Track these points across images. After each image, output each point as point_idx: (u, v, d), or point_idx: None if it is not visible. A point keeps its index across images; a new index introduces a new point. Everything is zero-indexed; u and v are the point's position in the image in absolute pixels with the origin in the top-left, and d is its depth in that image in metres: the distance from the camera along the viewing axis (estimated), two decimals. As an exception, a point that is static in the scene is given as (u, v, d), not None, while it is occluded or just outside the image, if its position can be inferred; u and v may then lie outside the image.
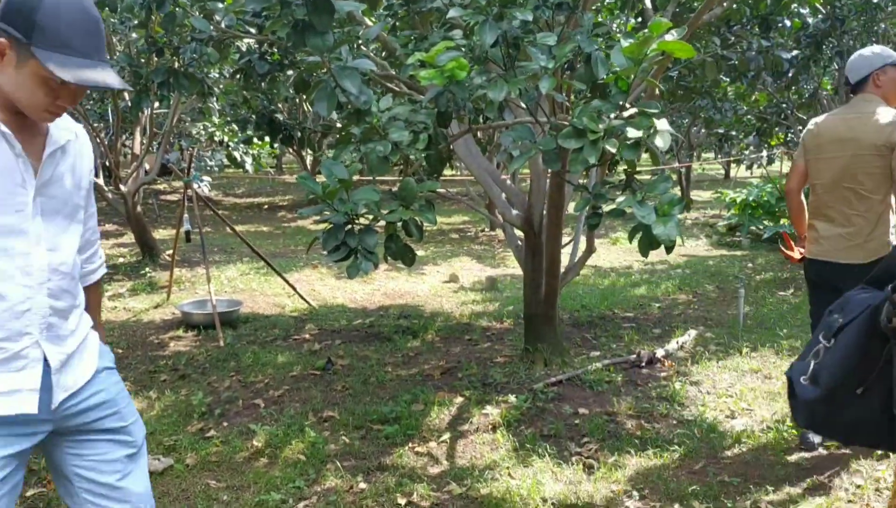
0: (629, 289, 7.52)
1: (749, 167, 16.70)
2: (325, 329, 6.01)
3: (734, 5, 5.11)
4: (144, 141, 8.08)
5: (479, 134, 5.47)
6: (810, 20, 6.33)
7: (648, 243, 2.30)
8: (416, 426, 3.91)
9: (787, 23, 5.73)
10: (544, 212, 4.57)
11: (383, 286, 7.82)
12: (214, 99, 7.33)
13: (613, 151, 2.23)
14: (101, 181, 8.13)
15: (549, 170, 4.12)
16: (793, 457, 3.52)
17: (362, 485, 3.29)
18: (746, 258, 9.33)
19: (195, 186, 6.18)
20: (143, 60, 4.66)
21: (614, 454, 3.58)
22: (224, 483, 3.36)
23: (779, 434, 3.74)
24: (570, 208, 4.96)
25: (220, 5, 4.18)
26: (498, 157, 5.32)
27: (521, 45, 2.33)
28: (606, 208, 2.44)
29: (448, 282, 8.05)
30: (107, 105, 9.82)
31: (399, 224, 2.78)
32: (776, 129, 9.82)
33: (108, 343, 5.64)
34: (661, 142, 2.22)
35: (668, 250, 2.30)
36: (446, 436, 3.80)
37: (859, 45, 6.97)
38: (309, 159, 14.94)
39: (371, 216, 2.66)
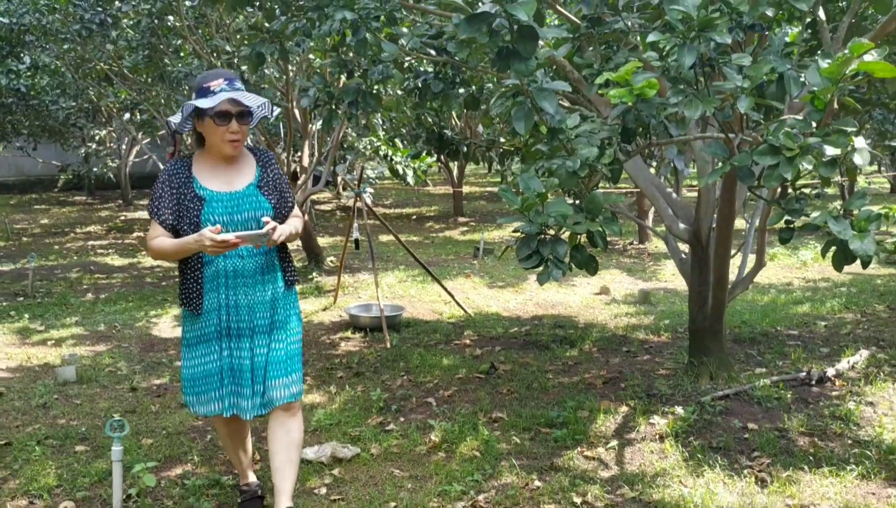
0: (791, 306, 7.30)
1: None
2: (483, 336, 6.24)
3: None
4: (314, 155, 8.63)
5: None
6: None
7: (844, 257, 2.34)
8: (583, 431, 4.03)
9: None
10: (713, 225, 4.59)
11: (535, 297, 7.97)
12: (378, 115, 7.77)
13: (810, 168, 2.29)
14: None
15: (720, 183, 4.15)
16: (984, 484, 3.39)
17: (537, 483, 3.46)
18: (919, 278, 8.81)
19: (364, 196, 6.57)
20: (333, 82, 5.07)
21: (787, 469, 3.56)
22: (407, 472, 3.62)
23: (967, 460, 3.60)
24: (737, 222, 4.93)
25: (405, 30, 4.49)
26: (662, 170, 5.36)
27: (716, 65, 2.44)
28: (800, 222, 2.49)
29: (599, 294, 8.10)
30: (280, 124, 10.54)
31: (583, 235, 2.94)
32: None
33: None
34: (859, 159, 2.27)
35: (864, 264, 2.33)
36: (614, 443, 3.91)
37: None
38: (455, 172, 15.32)
39: (561, 227, 2.83)
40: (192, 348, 2.97)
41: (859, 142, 2.29)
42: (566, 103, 3.99)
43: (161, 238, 2.85)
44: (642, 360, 5.40)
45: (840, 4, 5.04)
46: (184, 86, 8.54)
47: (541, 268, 2.80)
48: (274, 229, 2.75)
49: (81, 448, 3.96)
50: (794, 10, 2.55)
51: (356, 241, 6.93)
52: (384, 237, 12.13)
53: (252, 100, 2.85)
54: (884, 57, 2.29)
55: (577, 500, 3.29)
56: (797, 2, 2.42)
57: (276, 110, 3.01)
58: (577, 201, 2.94)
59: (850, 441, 3.89)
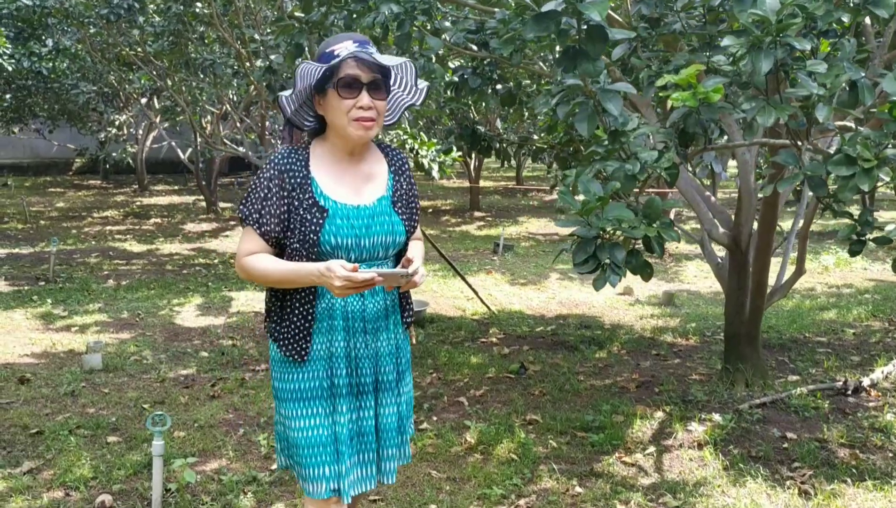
0: (816, 312, 7.23)
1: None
2: (509, 334, 6.19)
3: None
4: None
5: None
6: None
7: (918, 272, 2.28)
8: (620, 436, 3.99)
9: None
10: (753, 230, 4.52)
11: (558, 295, 7.92)
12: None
13: (887, 179, 2.23)
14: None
15: (765, 191, 4.08)
16: None
17: (578, 489, 3.41)
18: (944, 287, 8.71)
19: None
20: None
21: (830, 482, 3.51)
22: (444, 473, 3.58)
23: None
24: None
25: (448, 24, 4.43)
26: (699, 173, 5.30)
27: (790, 71, 2.37)
28: (872, 235, 2.43)
29: (622, 294, 8.04)
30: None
31: (639, 240, 2.88)
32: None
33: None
34: (940, 172, 2.21)
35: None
36: (652, 449, 3.86)
37: None
38: (473, 165, 15.26)
39: (618, 232, 2.77)
40: (290, 404, 2.21)
41: (940, 154, 2.22)
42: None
43: (261, 256, 2.11)
44: (673, 364, 5.34)
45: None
46: (209, 73, 8.49)
47: (597, 273, 2.75)
48: (416, 270, 2.08)
49: (114, 439, 3.93)
50: (872, 17, 2.48)
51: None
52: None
53: (385, 59, 2.07)
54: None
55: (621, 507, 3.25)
56: (877, 8, 2.36)
57: (423, 91, 2.23)
58: (633, 205, 2.88)
59: (891, 455, 3.83)
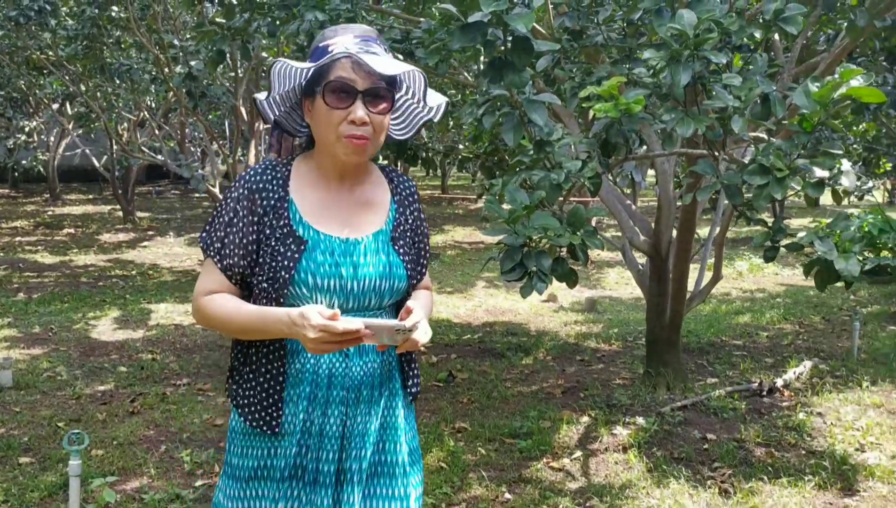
0: (732, 316, 7.50)
1: (861, 197, 16.36)
2: (437, 343, 6.20)
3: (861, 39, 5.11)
4: (263, 154, 8.46)
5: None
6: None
7: (828, 277, 2.39)
8: (547, 441, 4.04)
9: (915, 56, 5.68)
10: (672, 238, 4.66)
11: (484, 303, 7.97)
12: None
13: (798, 188, 2.33)
14: (216, 190, 8.54)
15: (685, 200, 4.21)
16: (932, 494, 3.52)
17: (507, 496, 3.44)
18: (848, 290, 9.15)
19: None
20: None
21: (748, 480, 3.63)
22: (373, 485, 3.55)
23: (915, 471, 3.73)
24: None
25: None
26: (620, 182, 5.43)
27: (707, 84, 2.46)
28: (785, 241, 2.54)
29: (547, 301, 8.16)
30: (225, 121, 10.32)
31: (564, 248, 2.93)
32: (884, 158, 9.63)
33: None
34: (846, 181, 2.32)
35: (848, 285, 2.39)
36: (578, 454, 3.92)
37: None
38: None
39: (544, 240, 2.82)
40: (243, 484, 1.72)
41: (846, 164, 2.34)
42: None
43: (221, 297, 1.66)
44: (597, 369, 5.45)
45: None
46: (125, 79, 8.25)
47: (524, 280, 2.78)
48: (416, 325, 1.55)
49: (26, 460, 3.76)
50: (782, 33, 2.59)
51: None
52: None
53: (386, 65, 1.59)
54: (869, 82, 2.35)
55: (549, 513, 3.29)
56: (787, 24, 2.47)
57: (442, 106, 1.75)
58: (558, 214, 2.93)
59: (804, 452, 3.99)
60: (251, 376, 1.70)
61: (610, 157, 3.03)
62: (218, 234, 1.67)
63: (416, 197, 1.84)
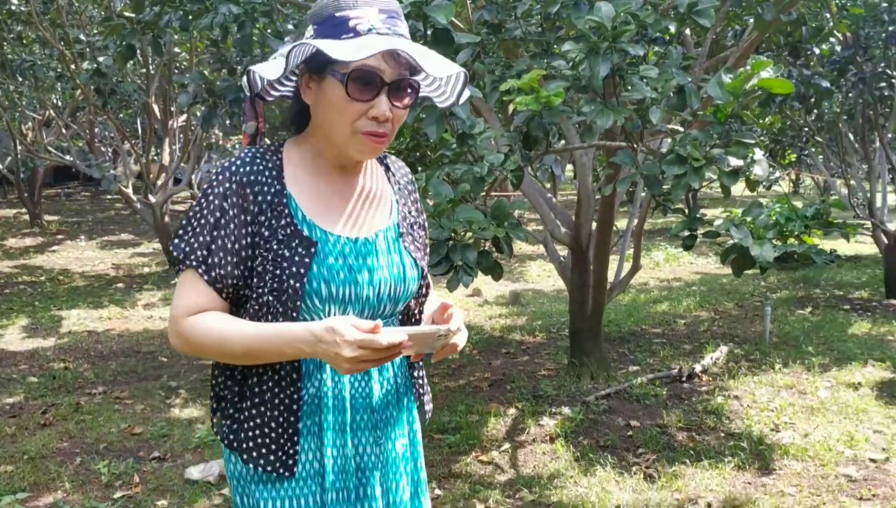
0: (651, 305, 7.69)
1: (757, 186, 17.02)
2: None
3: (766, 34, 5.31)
4: (178, 153, 8.21)
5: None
6: (838, 48, 6.55)
7: (744, 263, 2.46)
8: (476, 435, 4.05)
9: (816, 50, 5.94)
10: (592, 230, 4.73)
11: (409, 299, 7.94)
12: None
13: (714, 177, 2.39)
14: (129, 191, 8.25)
15: (605, 191, 4.28)
16: (842, 470, 3.68)
17: (438, 491, 3.43)
18: (758, 277, 9.51)
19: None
20: (214, 78, 4.82)
21: (672, 464, 3.72)
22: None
23: (825, 448, 3.89)
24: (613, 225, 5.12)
25: (290, 27, 4.34)
26: (540, 176, 5.48)
27: (625, 76, 2.50)
28: (702, 229, 2.60)
29: (472, 296, 8.19)
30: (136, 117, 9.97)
31: (488, 241, 2.93)
32: (788, 150, 10.05)
33: (150, 351, 5.78)
34: (759, 170, 2.39)
35: (763, 270, 2.46)
36: (507, 446, 3.94)
37: (880, 71, 7.20)
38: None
39: (469, 233, 2.81)
40: None
41: (759, 154, 2.41)
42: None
43: (213, 316, 1.38)
44: (523, 361, 5.50)
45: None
46: (28, 76, 7.87)
47: (451, 274, 2.77)
48: (459, 327, 1.39)
49: (-72, 479, 3.54)
50: (696, 26, 2.65)
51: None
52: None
53: (432, 63, 1.36)
54: (778, 74, 2.43)
55: (480, 506, 3.29)
56: (700, 18, 2.53)
57: (466, 93, 1.52)
58: (482, 207, 2.93)
59: (723, 434, 4.12)
60: (254, 410, 1.40)
61: (531, 150, 3.05)
62: (201, 239, 1.36)
63: (414, 187, 1.64)
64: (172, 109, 8.41)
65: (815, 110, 7.37)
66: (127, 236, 12.48)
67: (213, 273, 1.36)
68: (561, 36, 3.02)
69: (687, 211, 2.65)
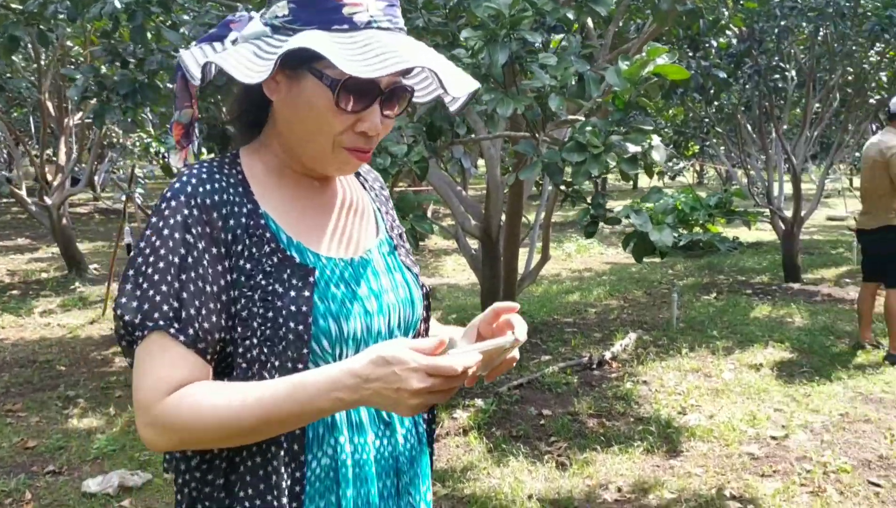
0: (563, 296, 7.80)
1: (663, 176, 17.55)
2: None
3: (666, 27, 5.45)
4: (76, 152, 7.84)
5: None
6: (733, 40, 6.78)
7: (644, 249, 2.49)
8: (389, 431, 3.99)
9: (714, 43, 6.12)
10: (502, 222, 4.75)
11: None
12: (147, 109, 7.25)
13: (613, 164, 2.41)
14: (23, 193, 7.85)
15: (508, 181, 4.30)
16: (745, 448, 3.79)
17: (350, 490, 3.36)
18: (665, 265, 9.78)
19: (135, 197, 6.07)
20: (106, 71, 4.59)
21: (583, 451, 3.77)
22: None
23: (730, 428, 4.01)
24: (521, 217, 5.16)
25: (187, 17, 4.18)
26: (450, 169, 5.47)
27: (525, 64, 2.49)
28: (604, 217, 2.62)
29: (386, 292, 8.14)
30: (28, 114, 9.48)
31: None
32: (691, 141, 10.37)
33: (48, 360, 5.49)
34: (657, 156, 2.42)
35: (663, 254, 2.50)
36: (420, 440, 3.91)
37: (773, 64, 7.49)
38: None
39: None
40: None
41: (656, 140, 2.44)
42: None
43: (198, 388, 1.03)
44: (437, 355, 5.47)
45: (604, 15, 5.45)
46: None
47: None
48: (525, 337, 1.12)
49: None
50: (593, 14, 2.67)
51: (128, 246, 6.38)
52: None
53: (454, 81, 1.08)
54: (673, 60, 2.46)
55: (393, 503, 3.24)
56: (597, 5, 2.55)
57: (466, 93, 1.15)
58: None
59: (632, 419, 4.19)
60: (243, 489, 1.05)
61: (436, 141, 3.02)
62: (164, 289, 1.02)
63: (387, 192, 1.39)
64: (68, 106, 8.04)
65: (715, 102, 7.61)
66: (24, 241, 11.88)
67: (192, 330, 1.02)
68: (462, 25, 2.99)
69: (591, 198, 2.66)
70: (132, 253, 1.06)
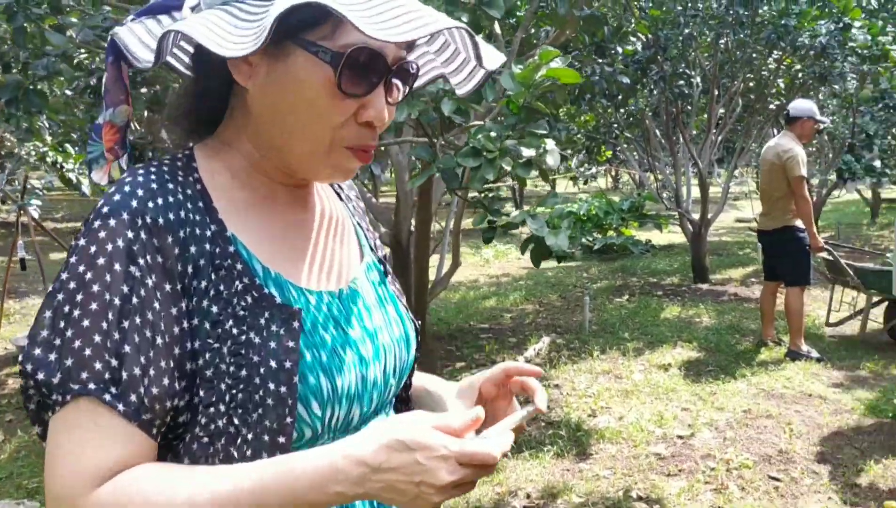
0: (480, 301, 7.81)
1: (577, 181, 17.85)
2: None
3: (572, 33, 5.51)
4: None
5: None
6: (638, 47, 6.92)
7: (541, 253, 2.48)
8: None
9: (619, 49, 6.23)
10: (412, 228, 4.70)
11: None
12: (44, 117, 6.92)
13: (509, 169, 2.39)
14: None
15: (416, 188, 4.25)
16: (652, 448, 3.84)
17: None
18: (581, 269, 9.93)
19: (30, 209, 5.78)
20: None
21: (494, 458, 3.74)
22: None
23: (637, 428, 4.06)
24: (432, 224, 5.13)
25: (75, 20, 3.99)
26: (360, 176, 5.39)
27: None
28: (501, 222, 2.60)
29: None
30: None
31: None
32: (603, 147, 10.56)
33: (-66, 384, 5.15)
34: (551, 160, 2.41)
35: (559, 259, 2.49)
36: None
37: (678, 70, 7.69)
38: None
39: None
40: None
41: (550, 144, 2.43)
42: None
43: (144, 473, 0.76)
44: (350, 366, 5.38)
45: (511, 22, 5.47)
46: None
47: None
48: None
49: None
50: (483, 19, 2.64)
51: (22, 261, 6.07)
52: (56, 255, 10.85)
53: (488, 52, 0.91)
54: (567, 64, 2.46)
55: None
56: (490, 8, 2.52)
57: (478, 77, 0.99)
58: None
59: (543, 424, 4.20)
60: None
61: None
62: (97, 339, 0.76)
63: (360, 197, 1.16)
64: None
65: (623, 108, 7.76)
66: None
67: (135, 396, 0.76)
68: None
69: (488, 203, 2.64)
70: (52, 289, 0.79)
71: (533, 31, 5.54)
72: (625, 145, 10.06)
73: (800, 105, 5.38)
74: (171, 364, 0.78)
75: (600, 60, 5.91)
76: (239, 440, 0.80)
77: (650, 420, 4.17)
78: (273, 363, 0.80)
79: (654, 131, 9.09)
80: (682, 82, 7.91)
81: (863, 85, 8.81)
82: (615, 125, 8.89)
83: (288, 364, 0.81)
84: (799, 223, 5.23)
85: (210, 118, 0.92)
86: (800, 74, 7.86)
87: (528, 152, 2.39)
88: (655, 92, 7.73)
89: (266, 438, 0.79)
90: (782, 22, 6.86)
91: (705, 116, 8.51)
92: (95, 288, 0.77)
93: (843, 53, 6.73)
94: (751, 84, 8.36)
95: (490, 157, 2.36)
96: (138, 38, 0.86)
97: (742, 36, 7.33)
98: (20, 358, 0.78)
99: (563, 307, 7.40)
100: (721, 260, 9.92)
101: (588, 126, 9.64)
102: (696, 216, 8.47)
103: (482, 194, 3.31)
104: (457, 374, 4.93)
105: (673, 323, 6.41)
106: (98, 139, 0.92)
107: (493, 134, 2.41)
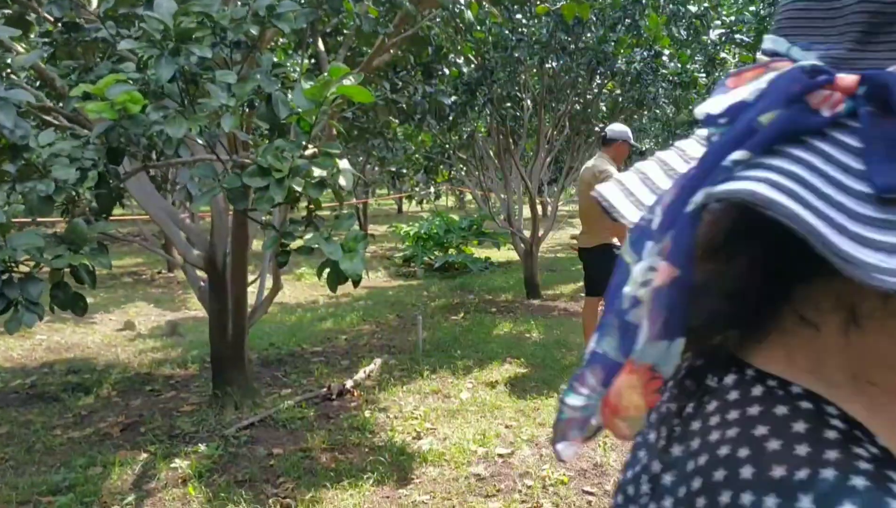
0: (316, 324, 7.61)
1: (420, 202, 17.94)
2: (-27, 395, 5.24)
3: (399, 52, 5.48)
4: None
5: (152, 171, 5.20)
6: (465, 70, 7.01)
7: (336, 278, 2.37)
8: (94, 491, 3.56)
9: (447, 71, 6.28)
10: (228, 251, 4.47)
11: (46, 340, 7.02)
12: None
13: (299, 189, 2.27)
14: None
15: (232, 208, 4.05)
16: (473, 469, 3.81)
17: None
18: (422, 287, 9.93)
19: None
20: None
21: (311, 490, 3.58)
22: None
23: (459, 449, 4.03)
24: (254, 245, 4.93)
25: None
26: (175, 195, 5.10)
27: (200, 81, 2.29)
28: (294, 244, 2.47)
29: (123, 330, 7.48)
30: None
31: (67, 270, 2.55)
32: (441, 167, 10.66)
33: None
34: (343, 181, 2.32)
35: (355, 283, 2.39)
36: (131, 498, 3.51)
37: (506, 93, 7.86)
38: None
39: (33, 263, 2.41)
40: None
41: (344, 164, 2.34)
42: (52, 118, 3.48)
43: None
44: (166, 398, 5.04)
45: (339, 39, 5.38)
46: None
47: (10, 313, 2.34)
48: None
49: None
50: (289, 35, 2.52)
51: None
52: None
53: None
54: (361, 83, 2.38)
55: (83, 576, 2.85)
56: (279, 22, 2.40)
57: None
58: (55, 232, 2.54)
59: (366, 450, 4.08)
60: None
61: (118, 164, 2.71)
62: None
63: None
64: None
65: (453, 129, 7.84)
66: None
67: None
68: (129, 35, 2.73)
69: (275, 228, 2.50)
70: None
71: (357, 46, 5.47)
72: (460, 166, 10.20)
73: (616, 128, 5.61)
74: None
75: (429, 81, 5.93)
76: None
77: (473, 440, 4.16)
78: None
79: (488, 152, 9.26)
80: (509, 105, 8.09)
81: (678, 110, 9.39)
82: (447, 145, 8.99)
83: None
84: (616, 241, 5.43)
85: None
86: (620, 99, 8.25)
87: (319, 172, 2.28)
88: (484, 114, 7.86)
89: None
90: (601, 48, 7.17)
91: (536, 137, 8.76)
92: None
93: (656, 80, 7.11)
94: (577, 107, 8.69)
95: (278, 177, 2.23)
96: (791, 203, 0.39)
97: (566, 61, 7.60)
98: None
99: (398, 327, 7.34)
100: (554, 276, 10.23)
101: (425, 146, 9.69)
102: (527, 234, 8.68)
103: (304, 213, 3.17)
104: (279, 402, 4.73)
105: (504, 339, 6.49)
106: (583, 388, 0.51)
107: (281, 152, 2.28)
